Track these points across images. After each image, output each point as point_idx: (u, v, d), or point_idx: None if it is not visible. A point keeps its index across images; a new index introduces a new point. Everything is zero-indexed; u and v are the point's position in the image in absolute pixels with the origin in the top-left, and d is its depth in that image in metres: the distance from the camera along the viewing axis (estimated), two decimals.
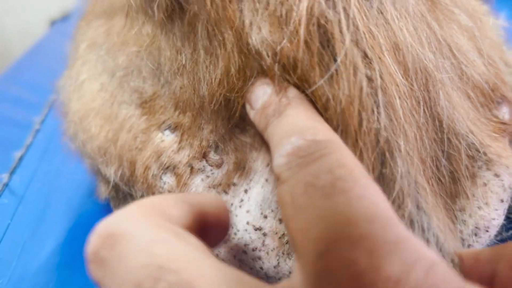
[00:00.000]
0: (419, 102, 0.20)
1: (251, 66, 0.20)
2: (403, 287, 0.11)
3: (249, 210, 0.21)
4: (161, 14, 0.23)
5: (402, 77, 0.19)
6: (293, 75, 0.19)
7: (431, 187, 0.19)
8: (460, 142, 0.22)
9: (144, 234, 0.14)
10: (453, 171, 0.22)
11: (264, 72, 0.19)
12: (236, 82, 0.20)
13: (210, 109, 0.21)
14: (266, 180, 0.21)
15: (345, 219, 0.13)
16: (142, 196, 0.25)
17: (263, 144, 0.21)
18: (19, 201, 0.35)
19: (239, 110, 0.21)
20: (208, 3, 0.20)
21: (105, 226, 0.15)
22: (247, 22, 0.19)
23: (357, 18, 0.18)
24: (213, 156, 0.22)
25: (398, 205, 0.17)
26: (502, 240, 0.23)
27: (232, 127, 0.21)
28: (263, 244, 0.21)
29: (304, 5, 0.18)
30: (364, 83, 0.18)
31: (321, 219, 0.13)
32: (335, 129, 0.18)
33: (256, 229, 0.21)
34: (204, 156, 0.22)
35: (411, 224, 0.17)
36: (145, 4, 0.24)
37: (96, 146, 0.26)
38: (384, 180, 0.17)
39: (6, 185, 0.36)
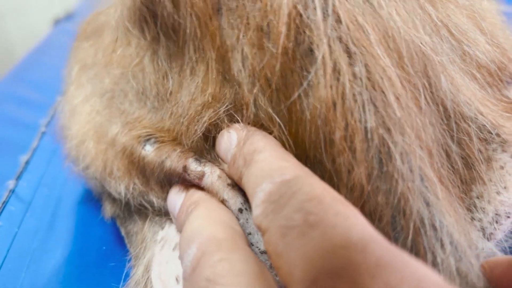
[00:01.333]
0: (418, 89, 0.19)
1: (228, 91, 0.19)
2: None
3: (251, 233, 0.20)
4: (151, 34, 0.23)
5: (396, 66, 0.18)
6: (270, 99, 0.18)
7: (441, 179, 0.18)
8: (469, 125, 0.20)
9: (214, 256, 0.16)
10: (466, 157, 0.21)
11: (239, 99, 0.19)
12: (210, 100, 0.19)
13: (186, 128, 0.21)
14: None
15: (322, 253, 0.13)
16: (159, 208, 0.24)
17: None
18: (27, 208, 0.33)
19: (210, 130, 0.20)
20: (193, 18, 0.20)
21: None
22: (228, 43, 0.18)
23: (340, 11, 0.17)
24: (193, 168, 0.21)
25: (404, 204, 0.16)
26: None
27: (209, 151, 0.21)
28: (270, 267, 0.20)
29: (285, 11, 0.17)
30: (348, 84, 0.16)
31: (300, 259, 0.13)
32: (318, 142, 0.17)
33: (262, 252, 0.20)
34: (185, 169, 0.21)
35: (421, 223, 0.16)
36: (135, 25, 0.23)
37: (100, 167, 0.25)
38: (386, 179, 0.16)
39: (12, 191, 0.34)
